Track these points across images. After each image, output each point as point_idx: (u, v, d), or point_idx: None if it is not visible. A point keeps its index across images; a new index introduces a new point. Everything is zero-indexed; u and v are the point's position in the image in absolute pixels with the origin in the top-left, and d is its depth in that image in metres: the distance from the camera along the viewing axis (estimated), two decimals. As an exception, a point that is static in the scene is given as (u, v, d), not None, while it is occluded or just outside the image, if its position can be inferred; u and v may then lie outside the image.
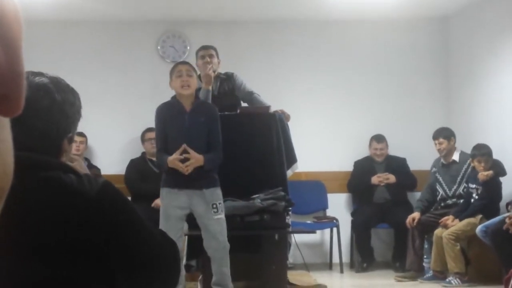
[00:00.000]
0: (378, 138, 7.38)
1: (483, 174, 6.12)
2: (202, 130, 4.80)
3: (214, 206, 4.69)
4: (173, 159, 4.71)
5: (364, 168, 7.38)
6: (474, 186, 6.34)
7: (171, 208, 4.74)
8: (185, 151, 4.71)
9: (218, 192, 4.77)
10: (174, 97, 5.00)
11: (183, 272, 4.88)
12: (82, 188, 1.30)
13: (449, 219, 6.25)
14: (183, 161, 4.71)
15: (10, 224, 1.23)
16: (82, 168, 1.70)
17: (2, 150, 0.49)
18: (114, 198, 1.36)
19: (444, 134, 6.73)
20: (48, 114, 1.42)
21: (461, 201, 6.52)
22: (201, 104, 4.97)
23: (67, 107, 1.47)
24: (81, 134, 7.04)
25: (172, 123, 4.84)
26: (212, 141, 4.82)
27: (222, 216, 4.73)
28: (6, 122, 0.49)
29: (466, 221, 6.18)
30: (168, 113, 4.88)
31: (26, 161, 1.33)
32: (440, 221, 6.31)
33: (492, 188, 6.17)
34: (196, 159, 4.70)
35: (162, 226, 4.74)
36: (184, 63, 5.13)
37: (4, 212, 1.18)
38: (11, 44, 0.45)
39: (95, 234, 1.27)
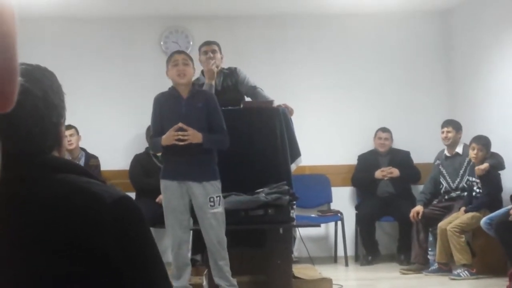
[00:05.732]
0: (383, 129, 7.41)
1: (479, 169, 6.13)
2: (199, 116, 4.73)
3: (212, 199, 4.66)
4: (168, 136, 4.64)
5: (368, 162, 7.38)
6: (473, 179, 6.35)
7: (174, 200, 4.72)
8: (181, 129, 4.64)
9: (217, 185, 4.72)
10: (171, 88, 4.97)
11: (189, 266, 4.87)
12: (98, 193, 1.29)
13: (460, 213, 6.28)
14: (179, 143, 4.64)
15: (22, 221, 1.24)
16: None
17: None
18: (131, 212, 1.31)
19: (454, 125, 6.78)
20: (38, 115, 1.34)
21: (465, 193, 6.53)
22: (198, 91, 4.95)
23: (51, 96, 1.37)
24: (69, 127, 6.75)
25: (168, 110, 4.80)
26: (214, 125, 4.75)
27: (219, 210, 4.69)
28: None
29: (470, 214, 6.19)
30: (165, 101, 4.85)
31: (42, 163, 1.33)
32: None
33: (490, 182, 6.18)
34: (194, 134, 4.62)
35: (167, 219, 4.73)
36: (180, 52, 5.12)
37: (19, 209, 1.19)
38: (6, 41, 0.44)
39: (104, 239, 1.26)
